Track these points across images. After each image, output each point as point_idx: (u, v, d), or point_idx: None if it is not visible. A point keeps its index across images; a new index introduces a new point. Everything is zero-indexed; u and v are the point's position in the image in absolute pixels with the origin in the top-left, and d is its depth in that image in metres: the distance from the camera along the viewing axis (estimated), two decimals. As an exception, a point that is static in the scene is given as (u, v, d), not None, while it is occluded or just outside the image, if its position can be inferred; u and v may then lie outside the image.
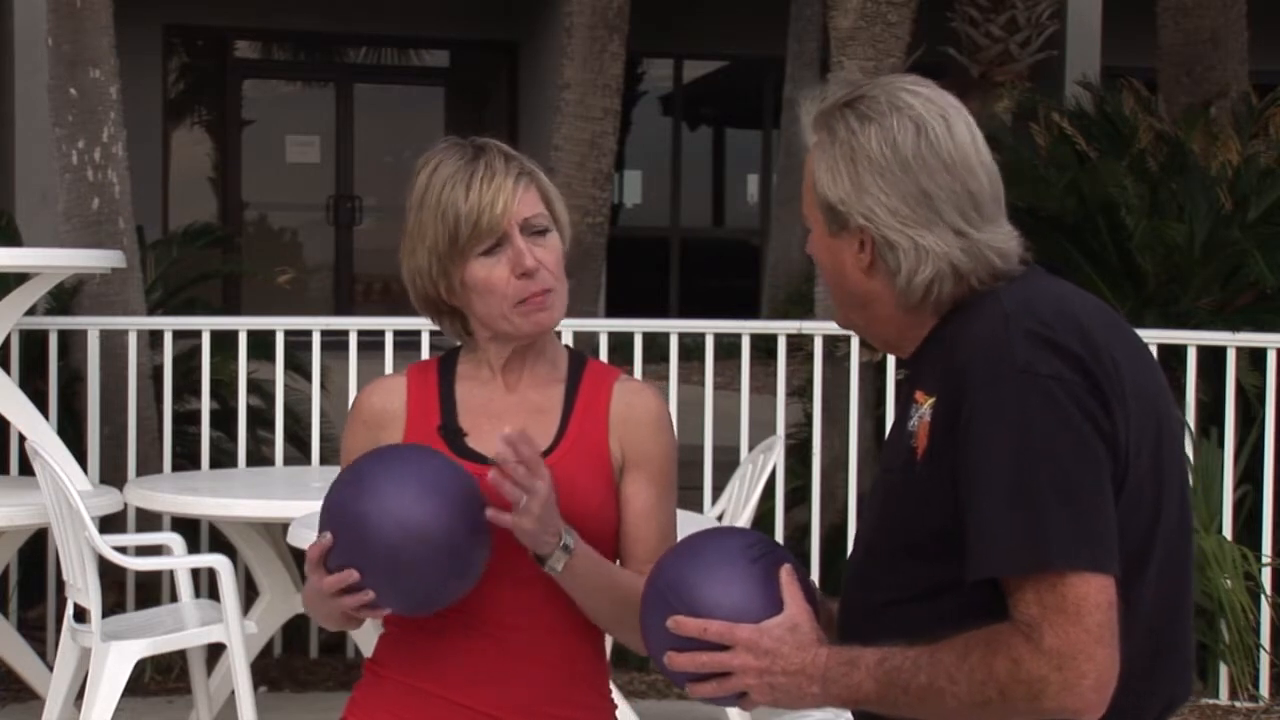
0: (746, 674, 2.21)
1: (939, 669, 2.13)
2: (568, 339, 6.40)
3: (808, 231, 2.37)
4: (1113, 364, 2.17)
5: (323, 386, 6.81)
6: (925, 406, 2.21)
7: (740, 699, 2.26)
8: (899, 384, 2.36)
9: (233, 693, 5.14)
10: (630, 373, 2.72)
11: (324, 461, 6.57)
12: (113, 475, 6.35)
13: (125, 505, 5.84)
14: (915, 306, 2.26)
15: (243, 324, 6.75)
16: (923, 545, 2.19)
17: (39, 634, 6.30)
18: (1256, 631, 6.25)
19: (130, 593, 6.33)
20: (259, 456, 6.86)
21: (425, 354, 6.40)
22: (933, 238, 2.22)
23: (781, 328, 6.84)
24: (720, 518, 5.59)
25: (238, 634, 5.03)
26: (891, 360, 6.39)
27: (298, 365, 6.96)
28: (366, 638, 4.84)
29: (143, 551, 5.58)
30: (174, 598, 5.71)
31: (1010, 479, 2.10)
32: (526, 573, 2.47)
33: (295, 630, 6.45)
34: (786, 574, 2.27)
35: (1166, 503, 2.20)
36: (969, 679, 2.11)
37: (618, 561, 2.61)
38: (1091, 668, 2.08)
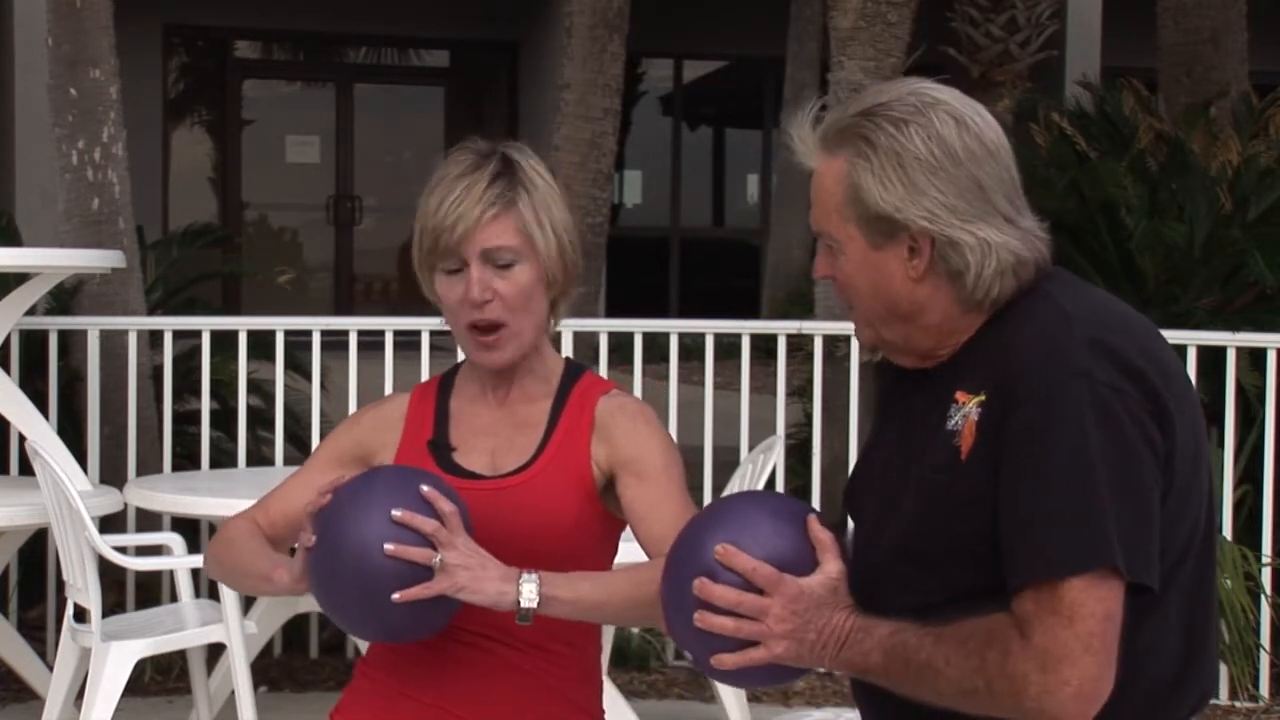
0: (780, 623, 2.18)
1: (939, 650, 2.12)
2: (568, 339, 6.40)
3: (815, 238, 2.33)
4: (1169, 377, 2.17)
5: (323, 386, 6.80)
6: (971, 405, 2.18)
7: (735, 650, 2.20)
8: (917, 382, 2.30)
9: (233, 693, 5.13)
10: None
11: (324, 461, 6.56)
12: (113, 475, 6.35)
13: (125, 505, 5.84)
14: (977, 305, 2.22)
15: (243, 324, 6.74)
16: (964, 547, 2.17)
17: (39, 634, 6.30)
18: (1256, 631, 6.25)
19: (130, 593, 6.33)
20: (259, 456, 6.86)
21: (425, 354, 6.41)
22: (991, 230, 2.20)
23: (781, 328, 6.83)
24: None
25: (238, 634, 5.03)
26: (891, 360, 6.38)
27: (298, 365, 6.95)
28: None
29: (143, 551, 5.58)
30: (174, 598, 5.71)
31: (1049, 481, 2.09)
32: None
33: (295, 630, 6.45)
34: (818, 527, 2.24)
35: (1202, 511, 2.21)
36: (962, 664, 2.10)
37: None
38: (1074, 675, 2.06)
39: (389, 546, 2.33)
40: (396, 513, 2.35)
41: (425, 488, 2.39)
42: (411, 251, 2.61)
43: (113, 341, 6.56)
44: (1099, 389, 2.10)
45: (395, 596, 2.34)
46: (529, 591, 2.38)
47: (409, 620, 2.40)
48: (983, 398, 2.17)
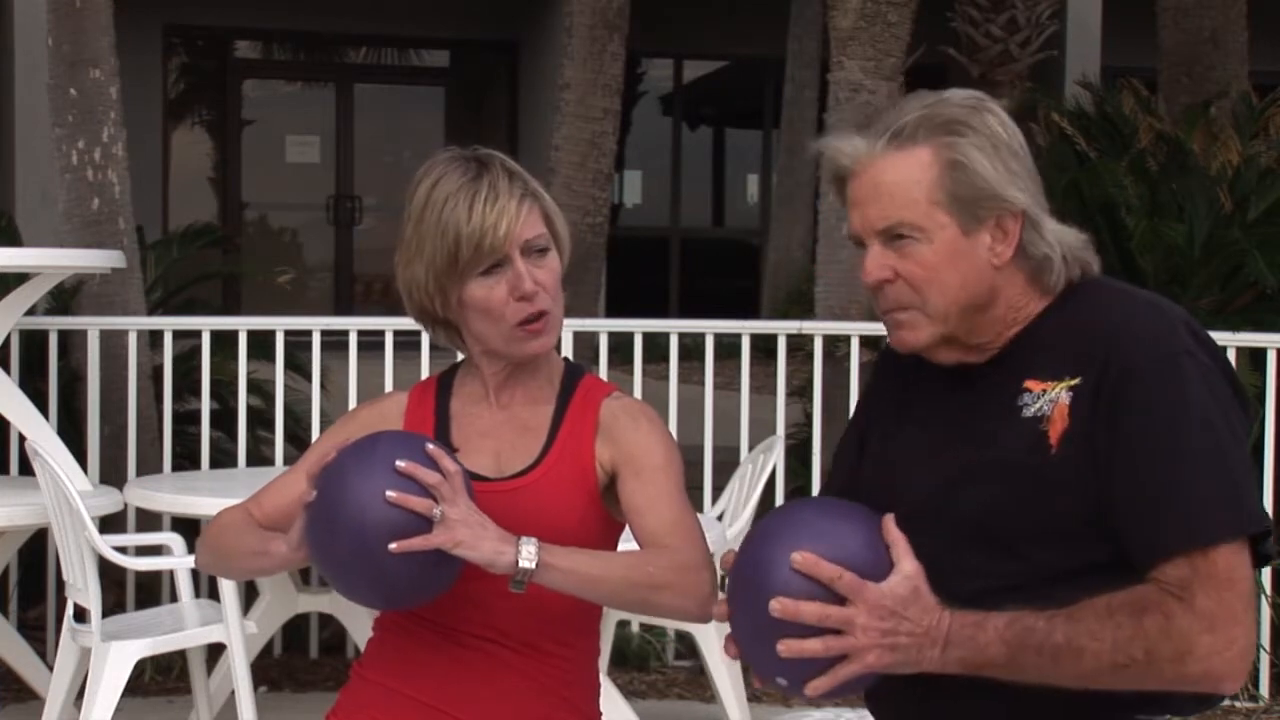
0: (869, 635, 2.15)
1: (1079, 628, 2.11)
2: (568, 339, 6.40)
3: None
4: (1232, 366, 2.26)
5: (323, 386, 6.80)
6: (1058, 391, 2.21)
7: (825, 670, 2.17)
8: (948, 381, 2.34)
9: (233, 693, 5.14)
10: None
11: (324, 461, 6.56)
12: (113, 475, 6.35)
13: (125, 505, 5.84)
14: (1050, 290, 2.29)
15: (243, 324, 6.74)
16: (1054, 530, 2.19)
17: (39, 634, 6.30)
18: (1257, 632, 6.25)
19: (130, 593, 6.33)
20: (259, 456, 6.86)
21: (425, 354, 6.41)
22: (1049, 220, 2.30)
23: (781, 328, 6.83)
24: (720, 518, 5.59)
25: (238, 634, 5.03)
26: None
27: (298, 365, 6.95)
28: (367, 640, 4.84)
29: (143, 551, 5.58)
30: (174, 598, 5.71)
31: (1185, 452, 2.14)
32: (506, 587, 2.45)
33: (295, 630, 6.45)
34: (894, 528, 2.22)
35: None
36: (1114, 636, 2.10)
37: None
38: (1240, 633, 2.11)
39: (391, 494, 2.34)
40: (400, 463, 2.36)
41: (430, 446, 2.41)
42: (423, 273, 2.57)
43: (113, 341, 6.56)
44: (1203, 368, 2.18)
45: (392, 546, 2.33)
46: (528, 552, 2.37)
47: (405, 578, 2.38)
48: (1075, 381, 2.20)
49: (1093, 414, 2.18)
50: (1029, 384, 2.23)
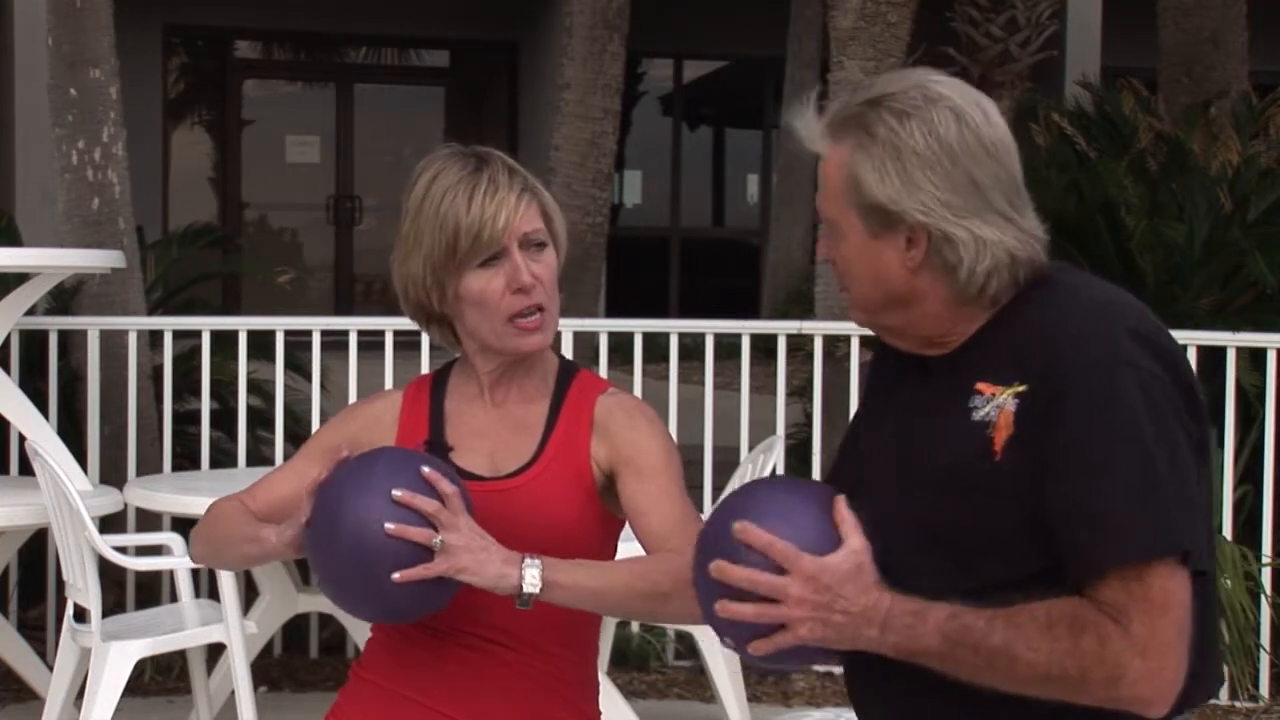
0: (801, 606, 2.15)
1: (1017, 634, 2.10)
2: (568, 339, 6.40)
3: (814, 238, 2.35)
4: (1189, 366, 2.21)
5: (323, 386, 6.80)
6: (1004, 396, 2.18)
7: (768, 635, 2.17)
8: (918, 376, 2.32)
9: (233, 693, 5.14)
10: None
11: (324, 461, 6.55)
12: (113, 475, 6.35)
13: (125, 505, 5.84)
14: (972, 299, 2.24)
15: (243, 324, 6.74)
16: (995, 540, 2.17)
17: (39, 634, 6.30)
18: (1256, 631, 6.25)
19: (130, 593, 6.33)
20: (259, 456, 6.86)
21: (425, 354, 6.41)
22: (988, 227, 2.21)
23: (781, 328, 6.83)
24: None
25: (238, 634, 5.03)
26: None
27: (298, 365, 6.95)
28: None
29: (143, 551, 5.58)
30: (174, 598, 5.71)
31: (1117, 469, 2.10)
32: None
33: (295, 630, 6.45)
34: (844, 507, 2.21)
35: (1209, 499, 2.25)
36: (1050, 649, 2.09)
37: None
38: (1172, 661, 2.09)
39: (390, 526, 2.33)
40: (397, 493, 2.34)
41: (426, 469, 2.39)
42: (420, 267, 2.57)
43: (113, 341, 6.56)
44: (1144, 377, 2.14)
45: (395, 577, 2.32)
46: (532, 576, 2.37)
47: (409, 601, 2.38)
48: (1022, 389, 2.17)
49: (1030, 422, 2.15)
50: (980, 386, 2.21)
